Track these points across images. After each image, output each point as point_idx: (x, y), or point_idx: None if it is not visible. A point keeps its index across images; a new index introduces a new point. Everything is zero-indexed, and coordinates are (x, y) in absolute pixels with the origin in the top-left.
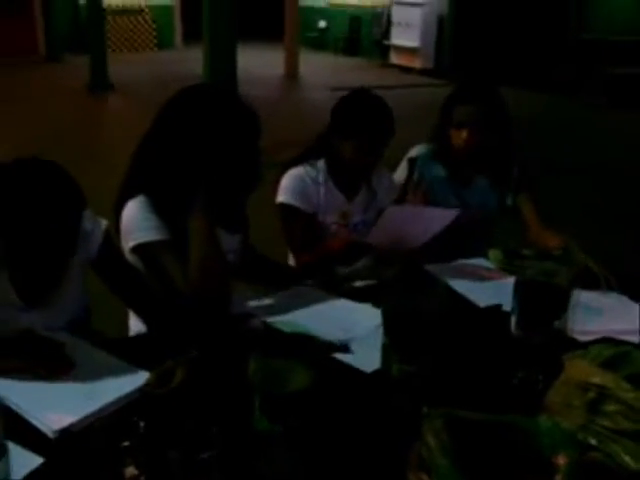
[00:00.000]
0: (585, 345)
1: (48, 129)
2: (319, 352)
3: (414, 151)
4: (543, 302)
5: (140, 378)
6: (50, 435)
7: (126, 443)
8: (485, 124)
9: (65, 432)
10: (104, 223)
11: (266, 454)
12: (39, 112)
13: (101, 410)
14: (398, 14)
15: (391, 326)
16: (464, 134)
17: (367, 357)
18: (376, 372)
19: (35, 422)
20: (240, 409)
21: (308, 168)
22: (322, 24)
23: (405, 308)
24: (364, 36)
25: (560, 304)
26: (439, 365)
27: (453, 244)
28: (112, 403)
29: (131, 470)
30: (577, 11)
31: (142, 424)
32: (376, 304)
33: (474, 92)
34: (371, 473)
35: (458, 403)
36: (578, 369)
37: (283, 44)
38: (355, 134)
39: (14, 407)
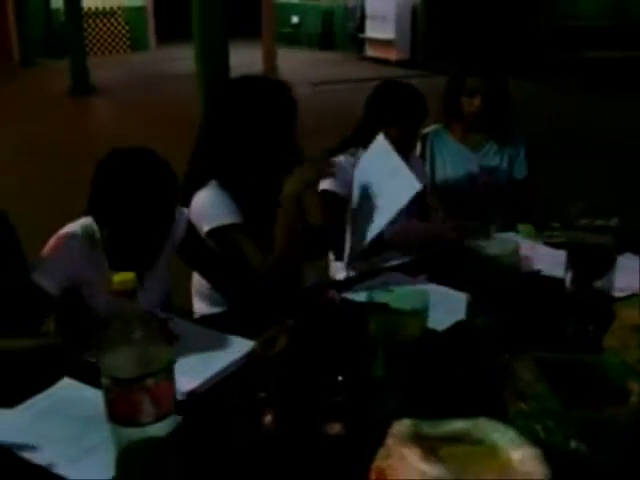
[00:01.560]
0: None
1: (34, 134)
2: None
3: (425, 129)
4: (592, 262)
5: (244, 345)
6: (178, 397)
7: (262, 394)
8: (493, 92)
9: (192, 394)
10: (186, 210)
11: (381, 397)
12: (24, 118)
13: (218, 374)
14: (372, 7)
15: (475, 287)
16: (476, 101)
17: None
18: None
19: None
20: (357, 361)
21: (348, 157)
22: (295, 20)
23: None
24: (338, 30)
25: (606, 264)
26: (515, 318)
27: (477, 210)
28: (226, 368)
29: (269, 418)
30: None
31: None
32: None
33: (483, 65)
34: (468, 407)
35: (528, 349)
36: (630, 315)
37: (259, 41)
38: (394, 121)
39: None
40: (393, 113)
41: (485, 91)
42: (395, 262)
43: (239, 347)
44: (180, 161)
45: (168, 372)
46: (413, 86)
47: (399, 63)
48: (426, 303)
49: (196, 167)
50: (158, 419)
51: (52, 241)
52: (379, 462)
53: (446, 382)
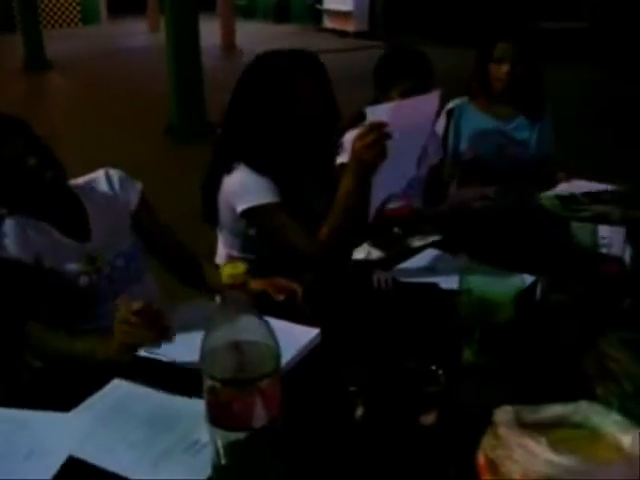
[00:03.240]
0: None
1: None
2: (441, 296)
3: (450, 104)
4: None
5: (310, 332)
6: None
7: (353, 388)
8: (522, 59)
9: None
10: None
11: (472, 385)
12: None
13: (289, 363)
14: None
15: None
16: (505, 67)
17: None
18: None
19: None
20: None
21: None
22: None
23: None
24: (294, 1)
25: None
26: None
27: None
28: (296, 356)
29: (360, 411)
30: None
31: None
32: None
33: (512, 30)
34: (554, 390)
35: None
36: None
37: (212, 14)
38: (403, 79)
39: None
40: (400, 72)
41: (514, 58)
42: (422, 242)
43: (307, 333)
44: (138, 136)
45: (277, 373)
46: (417, 51)
47: (357, 34)
48: (520, 286)
49: (224, 151)
50: (269, 423)
51: None
52: (487, 452)
53: (532, 365)
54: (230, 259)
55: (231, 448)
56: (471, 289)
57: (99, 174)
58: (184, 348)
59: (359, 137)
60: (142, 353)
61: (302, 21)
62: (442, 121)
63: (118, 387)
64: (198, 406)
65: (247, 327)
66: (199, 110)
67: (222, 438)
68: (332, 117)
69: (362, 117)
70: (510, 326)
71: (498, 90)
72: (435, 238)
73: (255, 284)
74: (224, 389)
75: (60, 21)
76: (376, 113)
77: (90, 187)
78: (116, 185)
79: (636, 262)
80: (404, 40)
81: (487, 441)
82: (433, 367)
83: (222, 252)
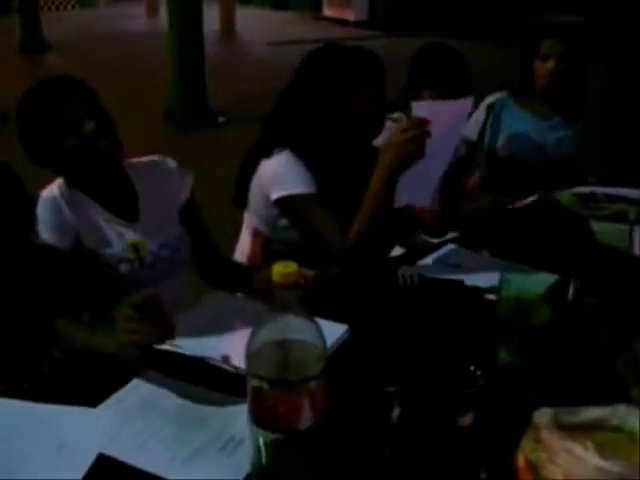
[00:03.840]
0: None
1: None
2: (469, 293)
3: (490, 98)
4: None
5: (338, 329)
6: None
7: (391, 389)
8: (568, 56)
9: None
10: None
11: (507, 386)
12: None
13: None
14: None
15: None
16: (550, 64)
17: None
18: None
19: None
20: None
21: (391, 123)
22: None
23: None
24: None
25: None
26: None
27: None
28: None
29: (396, 412)
30: None
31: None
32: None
33: (561, 27)
34: (592, 390)
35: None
36: None
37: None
38: (435, 85)
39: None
40: (433, 77)
41: (560, 54)
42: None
43: (333, 330)
44: (137, 121)
45: (323, 374)
46: (455, 50)
47: (357, 24)
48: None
49: (271, 134)
50: (315, 425)
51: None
52: (527, 454)
53: (567, 367)
54: (253, 246)
55: (273, 448)
56: (510, 289)
57: (154, 158)
58: (207, 342)
59: (402, 130)
60: (164, 347)
61: (301, 8)
62: (481, 114)
63: (145, 381)
64: (229, 402)
65: (295, 327)
66: (201, 96)
67: (264, 437)
68: (382, 116)
69: (393, 107)
70: (548, 327)
71: (541, 87)
72: (452, 235)
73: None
74: (272, 390)
75: (57, 3)
76: (420, 109)
77: (143, 169)
78: (169, 174)
79: None
80: (402, 30)
81: (527, 443)
82: (472, 368)
83: (245, 239)
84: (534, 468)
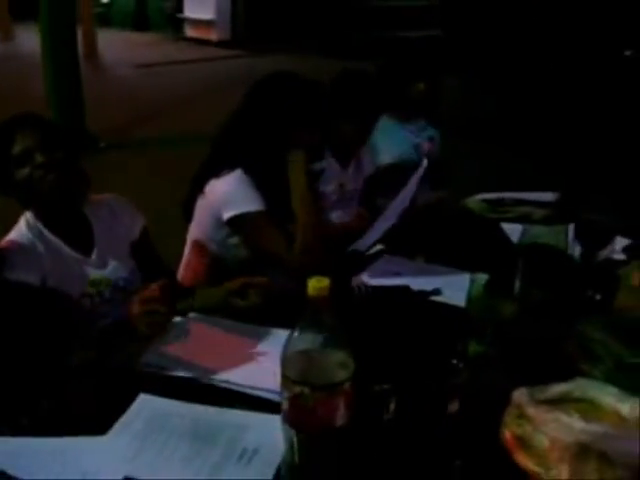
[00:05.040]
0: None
1: None
2: (417, 296)
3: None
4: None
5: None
6: None
7: (386, 386)
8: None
9: None
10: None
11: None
12: None
13: None
14: None
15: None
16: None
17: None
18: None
19: None
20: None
21: None
22: None
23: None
24: (153, 10)
25: (605, 241)
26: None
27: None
28: None
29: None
30: None
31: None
32: None
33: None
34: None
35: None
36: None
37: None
38: (353, 117)
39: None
40: (352, 109)
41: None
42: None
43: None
44: None
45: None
46: (369, 75)
47: (219, 43)
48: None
49: (218, 155)
50: (347, 425)
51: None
52: (513, 430)
53: (526, 353)
54: (195, 264)
55: (308, 446)
56: (480, 289)
57: (106, 196)
58: (190, 362)
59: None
60: (147, 369)
61: (162, 30)
62: None
63: (146, 403)
64: (232, 414)
65: (327, 337)
66: (80, 122)
67: (299, 437)
68: (322, 144)
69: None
70: (515, 321)
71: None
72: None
73: (230, 284)
74: (313, 393)
75: None
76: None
77: (96, 204)
78: (121, 211)
79: (585, 259)
80: (264, 48)
81: (511, 419)
82: (454, 361)
83: (191, 257)
84: (522, 441)
